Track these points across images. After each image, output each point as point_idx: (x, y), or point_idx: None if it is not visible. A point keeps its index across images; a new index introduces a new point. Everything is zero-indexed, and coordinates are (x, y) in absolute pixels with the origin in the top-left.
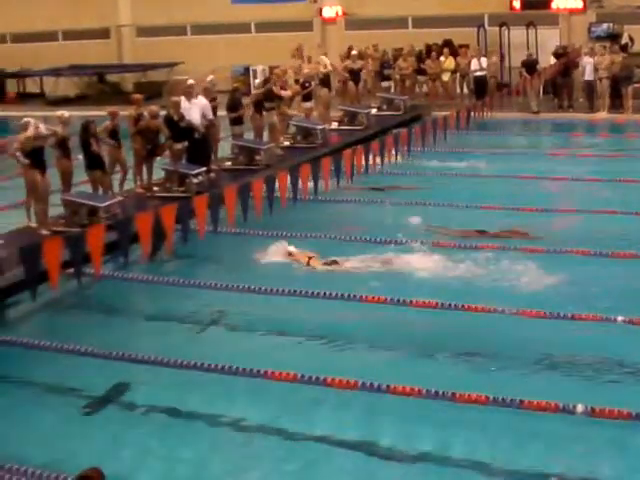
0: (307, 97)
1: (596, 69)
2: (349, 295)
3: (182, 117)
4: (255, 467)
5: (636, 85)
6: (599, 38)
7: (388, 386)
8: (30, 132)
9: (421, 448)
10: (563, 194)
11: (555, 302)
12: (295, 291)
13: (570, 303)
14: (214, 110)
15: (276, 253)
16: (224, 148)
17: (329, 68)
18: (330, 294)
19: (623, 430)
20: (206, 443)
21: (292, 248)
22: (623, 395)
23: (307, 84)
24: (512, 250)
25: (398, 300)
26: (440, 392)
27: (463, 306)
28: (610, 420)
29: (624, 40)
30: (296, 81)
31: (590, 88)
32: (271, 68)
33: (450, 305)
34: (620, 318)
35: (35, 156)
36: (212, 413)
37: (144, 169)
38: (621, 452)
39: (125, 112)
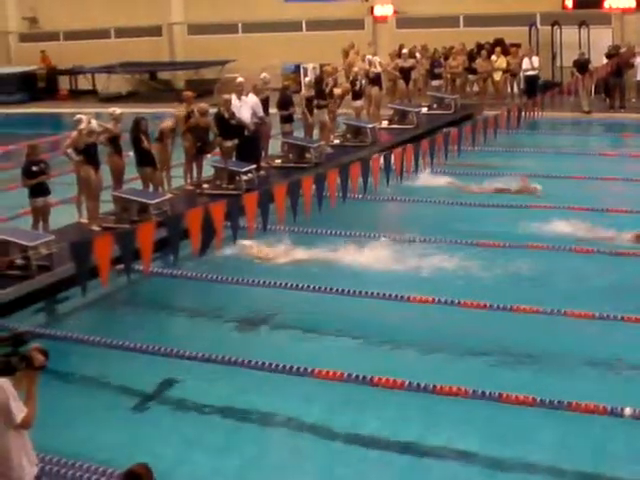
0: (358, 96)
1: None
2: (398, 295)
3: (232, 115)
4: (303, 467)
5: None
6: None
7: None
8: (82, 129)
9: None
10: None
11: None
12: (341, 290)
13: None
14: (265, 108)
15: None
16: (274, 146)
17: (379, 67)
18: (384, 294)
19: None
20: (254, 441)
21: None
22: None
23: (357, 82)
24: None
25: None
26: (487, 392)
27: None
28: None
29: None
30: (348, 80)
31: None
32: (322, 66)
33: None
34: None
35: (88, 153)
36: (261, 411)
37: (194, 166)
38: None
39: (176, 110)
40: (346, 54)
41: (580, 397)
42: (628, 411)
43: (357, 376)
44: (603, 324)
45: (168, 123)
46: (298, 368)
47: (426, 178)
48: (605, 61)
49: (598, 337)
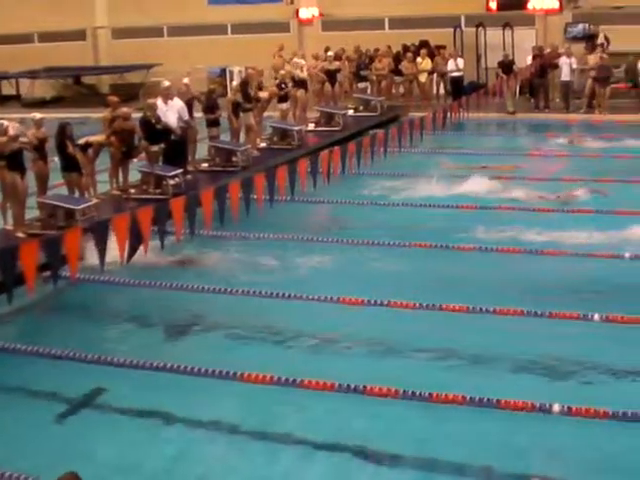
0: (284, 98)
1: (574, 69)
2: (327, 297)
3: (159, 119)
4: (231, 469)
5: (613, 86)
6: (575, 38)
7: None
8: (7, 134)
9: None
10: None
11: None
12: (272, 293)
13: None
14: (190, 111)
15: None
16: (201, 150)
17: (305, 70)
18: (311, 296)
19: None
20: (180, 446)
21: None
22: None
23: (283, 85)
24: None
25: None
26: (417, 392)
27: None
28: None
29: (600, 40)
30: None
31: (567, 89)
32: (248, 69)
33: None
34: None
35: (13, 159)
36: (187, 416)
37: (120, 171)
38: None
39: (100, 114)
40: (281, 58)
41: (510, 395)
42: (557, 408)
43: (287, 379)
44: (530, 321)
45: (98, 139)
46: (227, 372)
47: (353, 180)
48: (529, 62)
49: (526, 334)
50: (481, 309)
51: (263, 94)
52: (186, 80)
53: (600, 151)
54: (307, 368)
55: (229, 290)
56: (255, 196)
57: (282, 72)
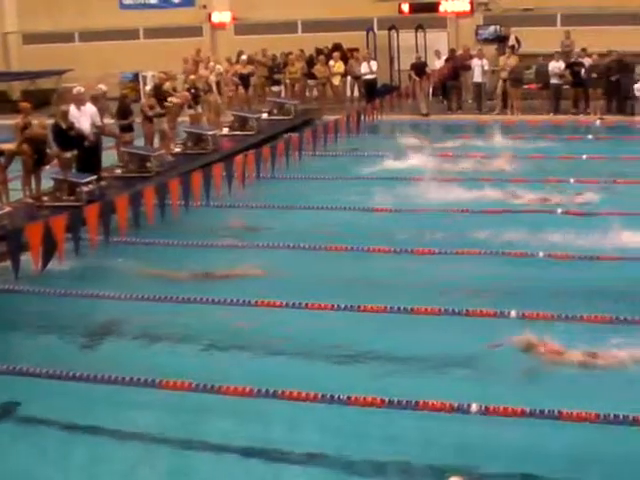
0: (197, 103)
1: (486, 71)
2: (241, 301)
3: (71, 125)
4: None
5: (525, 86)
6: (486, 40)
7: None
8: None
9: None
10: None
11: None
12: (187, 298)
13: None
14: (102, 117)
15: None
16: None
17: (219, 74)
18: (220, 300)
19: None
20: (93, 454)
21: None
22: None
23: (194, 90)
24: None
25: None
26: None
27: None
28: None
29: (511, 42)
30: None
31: (479, 90)
32: (160, 74)
33: None
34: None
35: None
36: (107, 424)
37: (32, 179)
38: None
39: (12, 121)
40: (195, 62)
41: (428, 396)
42: (475, 407)
43: (205, 385)
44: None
45: (9, 147)
46: (146, 380)
47: (268, 184)
48: (438, 63)
49: (442, 334)
50: (399, 309)
51: (176, 99)
52: (102, 86)
53: (514, 151)
54: (225, 373)
55: (144, 296)
56: (170, 201)
57: (192, 77)
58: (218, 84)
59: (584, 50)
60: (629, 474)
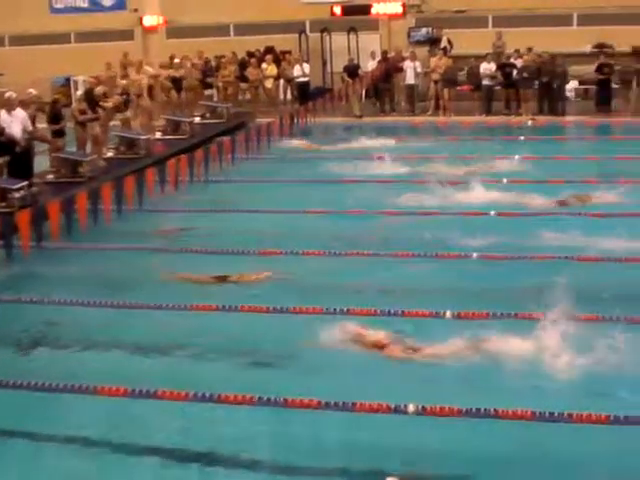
0: (128, 107)
1: (418, 73)
2: (177, 305)
3: (2, 131)
4: None
5: (457, 88)
6: (419, 42)
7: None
8: None
9: None
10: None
11: None
12: (121, 303)
13: None
14: (33, 122)
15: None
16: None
17: (151, 78)
18: (161, 305)
19: None
20: (31, 463)
21: None
22: None
23: (128, 94)
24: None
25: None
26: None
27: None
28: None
29: (443, 44)
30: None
31: (411, 92)
32: (91, 79)
33: None
34: None
35: None
36: (45, 431)
37: None
38: None
39: None
40: (123, 66)
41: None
42: (412, 408)
43: (140, 390)
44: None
45: None
46: (80, 386)
47: (201, 188)
48: (373, 64)
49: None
50: (335, 310)
51: (108, 103)
52: (33, 91)
53: (447, 152)
54: (161, 378)
55: (78, 302)
56: (103, 206)
57: (124, 82)
58: (150, 88)
59: (517, 51)
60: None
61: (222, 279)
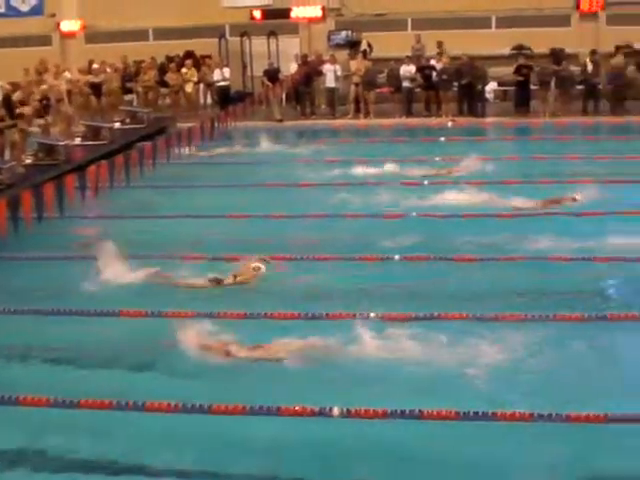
0: (47, 113)
1: (339, 76)
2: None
3: None
4: None
5: (378, 90)
6: (339, 46)
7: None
8: None
9: None
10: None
11: None
12: (40, 310)
13: None
14: None
15: None
16: None
17: (70, 83)
18: (76, 311)
19: None
20: None
21: None
22: None
23: (46, 100)
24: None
25: None
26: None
27: None
28: None
29: (363, 47)
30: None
31: (332, 95)
32: (7, 85)
33: None
34: None
35: None
36: None
37: None
38: None
39: None
40: (38, 72)
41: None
42: (336, 411)
43: (63, 400)
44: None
45: None
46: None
47: (122, 194)
48: (293, 68)
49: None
50: (259, 314)
51: (26, 109)
52: None
53: (369, 155)
54: (84, 387)
55: None
56: (23, 214)
57: (43, 87)
58: (69, 93)
59: (440, 54)
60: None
61: (218, 282)
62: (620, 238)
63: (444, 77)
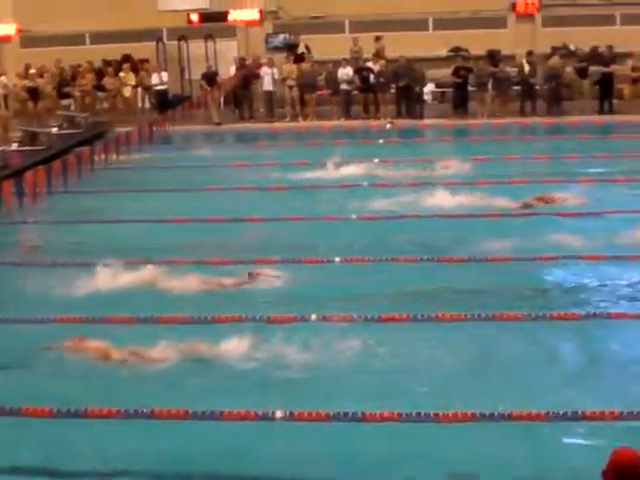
0: None
1: (277, 79)
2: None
3: None
4: None
5: (319, 93)
6: (276, 48)
7: None
8: None
9: None
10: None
11: None
12: None
13: None
14: None
15: None
16: None
17: (4, 86)
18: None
19: None
20: None
21: None
22: None
23: None
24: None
25: None
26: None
27: None
28: None
29: (301, 50)
30: None
31: (270, 98)
32: None
33: None
34: None
35: None
36: None
37: None
38: None
39: None
40: None
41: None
42: (279, 414)
43: None
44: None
45: None
46: None
47: (60, 199)
48: (232, 72)
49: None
50: (199, 318)
51: None
52: None
53: (307, 157)
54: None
55: None
56: None
57: None
58: (6, 98)
59: (378, 55)
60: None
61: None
62: (559, 235)
63: (382, 79)
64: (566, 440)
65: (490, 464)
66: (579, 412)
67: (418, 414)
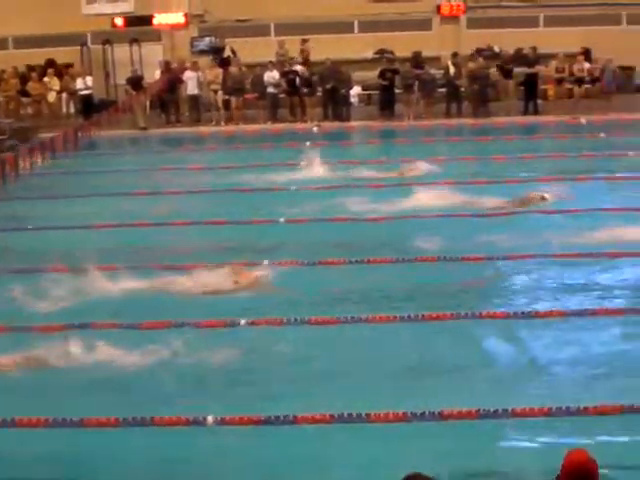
0: None
1: (203, 83)
2: None
3: None
4: None
5: (246, 96)
6: (202, 52)
7: None
8: None
9: None
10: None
11: None
12: None
13: None
14: None
15: None
16: None
17: None
18: None
19: None
20: None
21: None
22: None
23: None
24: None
25: None
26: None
27: None
28: None
29: (226, 53)
30: None
31: (195, 102)
32: None
33: None
34: None
35: None
36: None
37: None
38: None
39: None
40: None
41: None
42: (210, 419)
43: None
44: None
45: None
46: None
47: None
48: (158, 76)
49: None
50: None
51: None
52: None
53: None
54: None
55: None
56: None
57: None
58: None
59: (303, 53)
60: None
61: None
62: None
63: (308, 82)
64: (497, 437)
65: (422, 463)
66: (509, 409)
67: (350, 415)
